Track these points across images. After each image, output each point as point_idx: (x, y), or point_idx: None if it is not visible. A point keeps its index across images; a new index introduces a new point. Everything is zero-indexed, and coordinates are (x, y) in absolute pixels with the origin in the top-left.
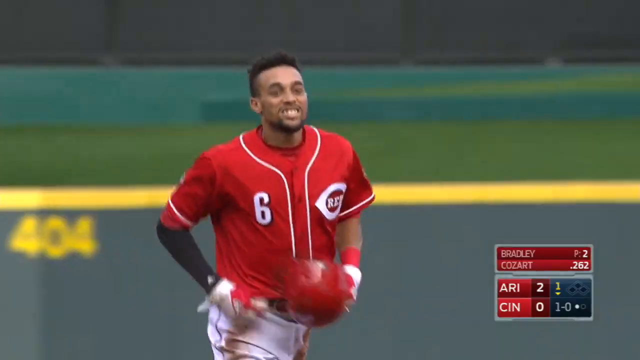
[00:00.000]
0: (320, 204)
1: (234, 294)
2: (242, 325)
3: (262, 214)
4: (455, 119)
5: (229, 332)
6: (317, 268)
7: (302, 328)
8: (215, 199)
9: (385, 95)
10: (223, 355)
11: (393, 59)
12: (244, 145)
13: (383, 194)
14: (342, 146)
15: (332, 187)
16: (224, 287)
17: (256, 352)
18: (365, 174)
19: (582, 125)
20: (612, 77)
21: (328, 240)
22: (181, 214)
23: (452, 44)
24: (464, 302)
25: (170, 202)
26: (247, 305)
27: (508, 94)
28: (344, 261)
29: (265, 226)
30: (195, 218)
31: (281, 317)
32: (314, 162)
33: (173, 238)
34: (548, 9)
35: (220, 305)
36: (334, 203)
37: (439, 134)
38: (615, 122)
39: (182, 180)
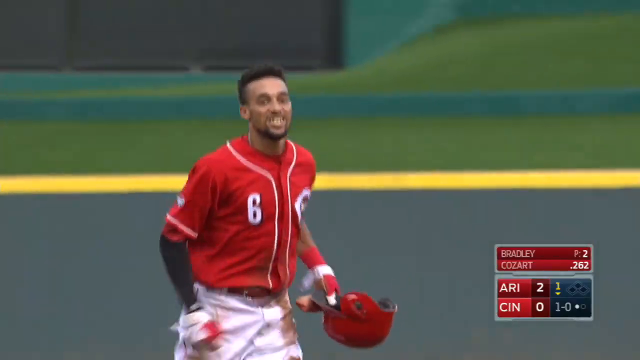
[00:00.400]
0: (297, 205)
1: (206, 325)
2: (220, 315)
3: (254, 214)
4: (112, 118)
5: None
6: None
7: (275, 315)
8: (216, 205)
9: (47, 98)
10: (187, 349)
11: (55, 65)
12: (234, 152)
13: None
14: (310, 160)
15: (304, 192)
16: (202, 316)
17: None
18: None
19: (219, 124)
20: None
21: (297, 240)
22: (187, 227)
23: (110, 52)
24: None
25: (172, 218)
26: (210, 339)
27: (159, 97)
28: (313, 261)
29: (255, 225)
30: (200, 228)
31: (250, 304)
32: (292, 169)
33: (175, 254)
34: (192, 23)
35: (190, 327)
36: (304, 207)
37: (96, 132)
38: None
39: (182, 196)
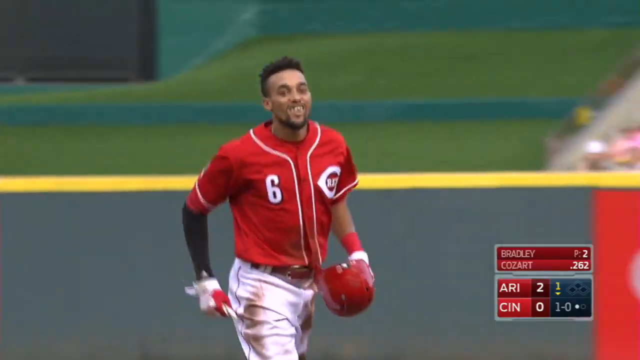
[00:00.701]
0: (321, 182)
1: (214, 294)
2: (260, 292)
3: (274, 194)
4: None
5: (247, 299)
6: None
7: (310, 295)
8: (234, 186)
9: None
10: (243, 322)
11: None
12: (254, 137)
13: None
14: (337, 138)
15: (330, 169)
16: (210, 285)
17: (271, 317)
18: (354, 164)
19: (41, 131)
20: (66, 93)
21: (328, 217)
22: (203, 198)
23: None
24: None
25: (196, 185)
26: (218, 309)
27: None
28: (351, 247)
29: (276, 205)
30: (215, 202)
31: (292, 284)
32: (314, 149)
33: (192, 223)
34: (15, 37)
35: (200, 295)
36: (332, 183)
37: None
38: (72, 127)
39: (205, 169)
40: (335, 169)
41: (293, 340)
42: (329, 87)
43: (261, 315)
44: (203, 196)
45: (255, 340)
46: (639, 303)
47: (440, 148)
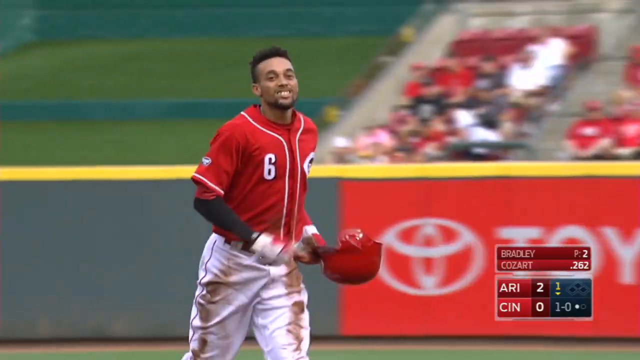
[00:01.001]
0: (305, 166)
1: (273, 242)
2: (227, 271)
3: (269, 171)
4: None
5: (214, 274)
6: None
7: (279, 270)
8: (241, 160)
9: None
10: (202, 290)
11: None
12: (250, 120)
13: None
14: (314, 127)
15: (311, 155)
16: (265, 239)
17: (225, 311)
18: None
19: None
20: None
21: (305, 196)
22: (217, 186)
23: None
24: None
25: (201, 178)
26: (285, 248)
27: None
28: (305, 221)
29: (269, 181)
30: (227, 186)
31: (260, 262)
32: (300, 134)
33: (213, 207)
34: None
35: (263, 252)
36: (309, 168)
37: None
38: None
39: (208, 157)
40: (313, 155)
41: (238, 322)
42: (102, 88)
43: (219, 295)
44: (215, 184)
45: (205, 313)
46: (378, 280)
47: (196, 142)
